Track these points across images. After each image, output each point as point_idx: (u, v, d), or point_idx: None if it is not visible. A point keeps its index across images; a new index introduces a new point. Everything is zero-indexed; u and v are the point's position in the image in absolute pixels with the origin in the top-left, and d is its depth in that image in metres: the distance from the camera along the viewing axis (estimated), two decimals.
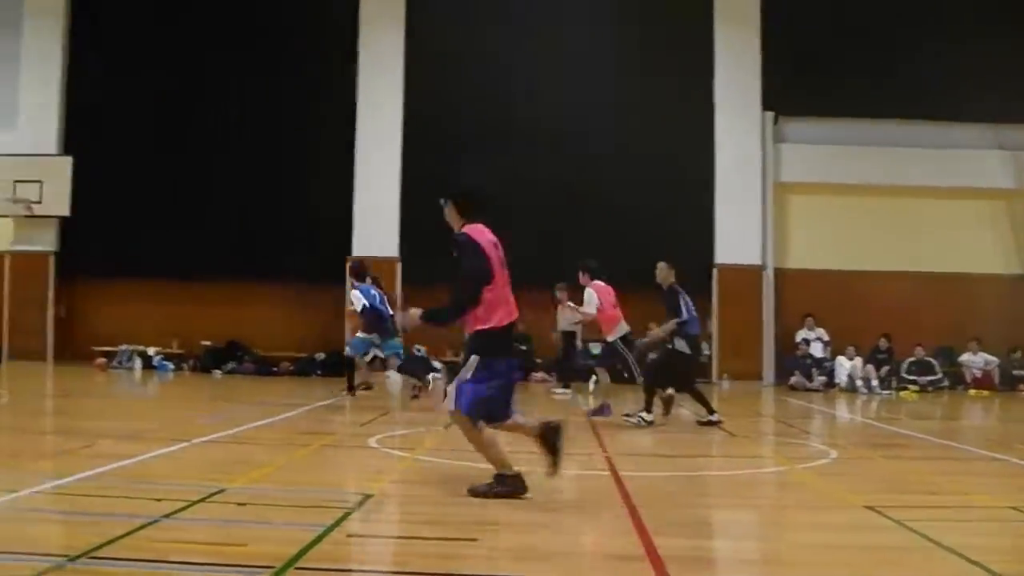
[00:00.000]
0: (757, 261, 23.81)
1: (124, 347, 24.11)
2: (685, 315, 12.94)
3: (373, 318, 15.19)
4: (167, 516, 6.04)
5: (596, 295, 13.85)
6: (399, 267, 23.60)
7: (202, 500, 6.61)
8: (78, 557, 4.92)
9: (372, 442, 10.39)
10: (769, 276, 23.89)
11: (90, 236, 24.54)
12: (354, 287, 15.64)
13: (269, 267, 23.71)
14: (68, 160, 24.92)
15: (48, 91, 25.56)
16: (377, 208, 24.20)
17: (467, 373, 7.22)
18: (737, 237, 23.86)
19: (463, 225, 7.49)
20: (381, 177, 24.29)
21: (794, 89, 23.74)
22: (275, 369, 23.37)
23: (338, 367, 19.56)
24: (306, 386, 19.15)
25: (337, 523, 6.12)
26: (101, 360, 23.29)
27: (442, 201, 7.66)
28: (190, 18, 24.96)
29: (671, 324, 12.98)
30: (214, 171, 24.43)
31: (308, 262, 23.78)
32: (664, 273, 13.38)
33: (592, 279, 14.23)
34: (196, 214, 24.29)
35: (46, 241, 25.24)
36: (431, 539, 6.01)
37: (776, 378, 23.30)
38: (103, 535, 5.41)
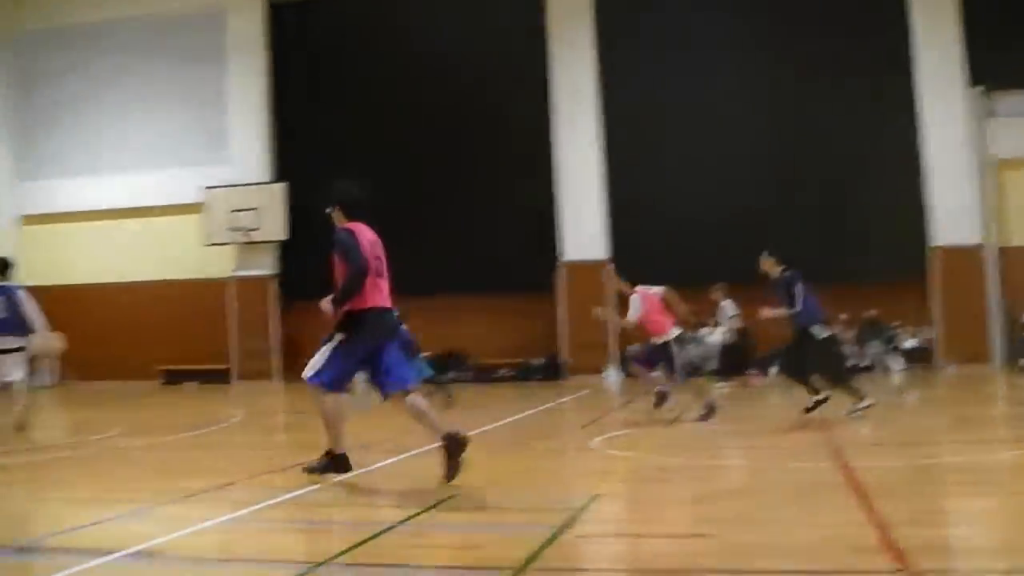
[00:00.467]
0: (977, 240, 22.83)
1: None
2: (799, 307, 12.23)
3: None
4: (403, 522, 6.19)
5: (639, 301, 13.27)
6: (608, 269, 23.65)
7: (436, 506, 6.75)
8: (323, 563, 5.09)
9: (594, 443, 10.41)
10: (991, 255, 22.87)
11: (308, 257, 25.39)
12: None
13: (484, 278, 24.04)
14: (282, 187, 25.95)
15: (257, 122, 26.74)
16: (582, 212, 24.34)
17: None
18: (953, 217, 22.88)
19: (346, 224, 8.38)
20: (582, 181, 24.40)
21: (1003, 63, 22.69)
22: (494, 376, 23.71)
23: (555, 372, 19.73)
24: (525, 391, 19.36)
25: (567, 524, 6.14)
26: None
27: (327, 209, 8.70)
28: (389, 38, 25.61)
29: (781, 311, 12.29)
30: (423, 187, 24.93)
31: (520, 271, 24.10)
32: (767, 264, 12.60)
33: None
34: (409, 231, 24.79)
35: (266, 265, 26.35)
36: (661, 537, 5.99)
37: (1006, 360, 22.29)
38: (345, 541, 5.58)
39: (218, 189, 26.22)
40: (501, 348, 24.34)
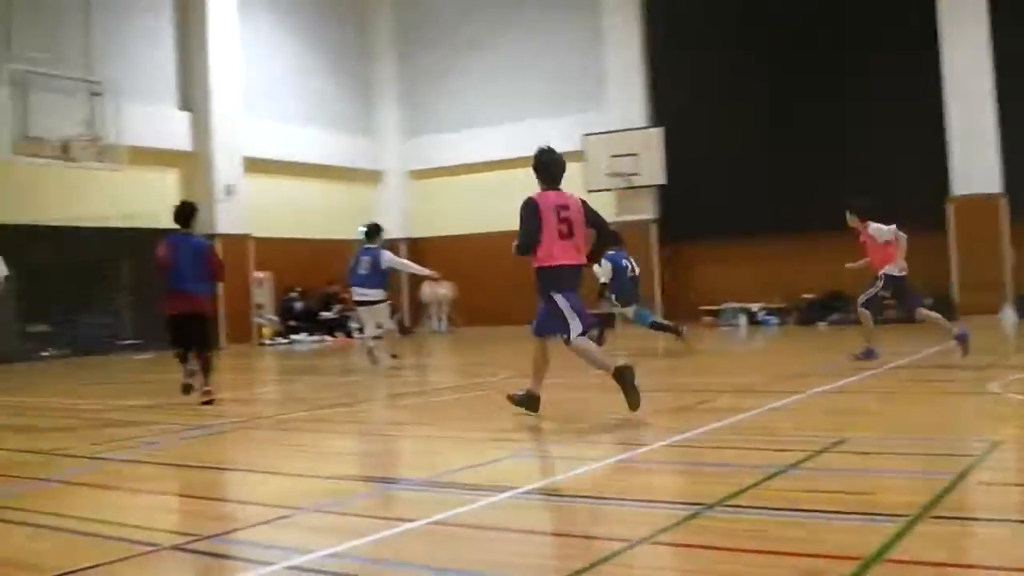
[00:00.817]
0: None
1: (729, 305, 24.85)
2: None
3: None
4: (792, 466, 6.12)
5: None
6: (1004, 204, 22.29)
7: (824, 450, 6.63)
8: (714, 505, 5.13)
9: (993, 387, 9.86)
10: None
11: (686, 201, 25.59)
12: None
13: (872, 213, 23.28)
14: (659, 131, 26.13)
15: (633, 67, 26.99)
16: (973, 143, 22.93)
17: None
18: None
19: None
20: (973, 109, 22.97)
21: None
22: (879, 318, 22.85)
23: (942, 309, 18.73)
24: (912, 332, 18.56)
25: (965, 471, 5.87)
26: (708, 319, 24.20)
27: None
28: None
29: None
30: (800, 124, 24.40)
31: (907, 208, 23.05)
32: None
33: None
34: (787, 169, 24.42)
35: (646, 210, 26.67)
36: None
37: None
38: (734, 485, 5.59)
39: (597, 136, 26.74)
40: None
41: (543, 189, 9.08)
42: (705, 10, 25.87)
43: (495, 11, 29.32)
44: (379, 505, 5.86)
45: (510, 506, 5.50)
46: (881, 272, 13.05)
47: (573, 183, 26.53)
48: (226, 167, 25.61)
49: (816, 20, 24.41)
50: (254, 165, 26.43)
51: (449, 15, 30.20)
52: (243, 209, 25.63)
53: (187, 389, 11.39)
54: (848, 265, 13.97)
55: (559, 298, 8.86)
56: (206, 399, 11.05)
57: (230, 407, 11.44)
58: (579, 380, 11.51)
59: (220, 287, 15.78)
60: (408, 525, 5.07)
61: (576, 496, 5.72)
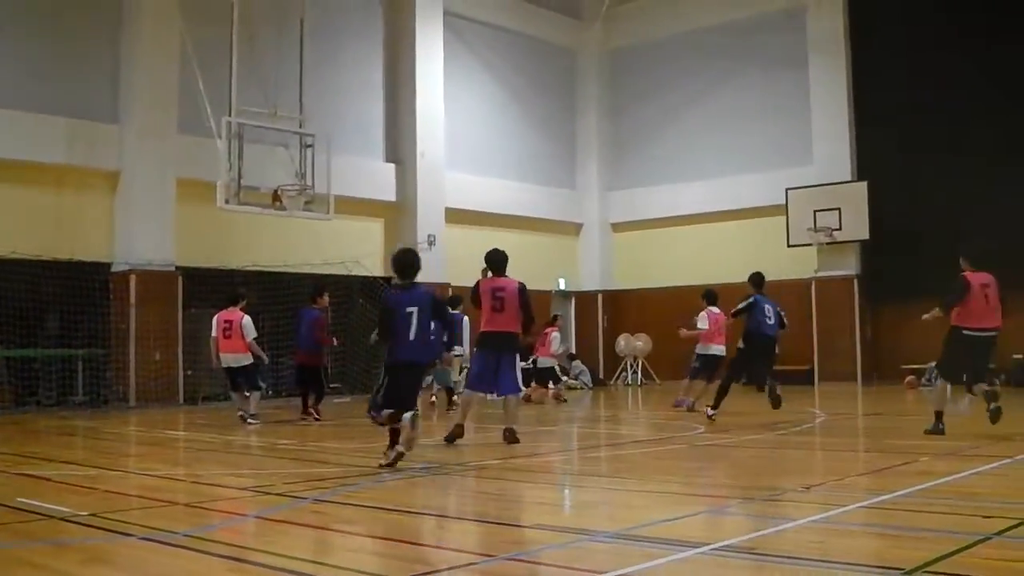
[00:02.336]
0: None
1: (932, 364, 23.91)
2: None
3: None
4: (998, 533, 5.85)
5: None
6: None
7: None
8: (913, 571, 4.93)
9: None
10: None
11: (891, 257, 24.87)
12: None
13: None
14: (863, 185, 25.58)
15: (838, 120, 26.56)
16: None
17: None
18: None
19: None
20: None
21: None
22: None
23: None
24: None
25: None
26: (911, 378, 23.38)
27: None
28: (979, 19, 24.30)
29: None
30: (1011, 184, 23.35)
31: None
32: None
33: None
34: (996, 227, 23.46)
35: (848, 266, 26.08)
36: None
37: None
38: (934, 550, 5.37)
39: (800, 190, 26.36)
40: None
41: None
42: (913, 66, 25.20)
43: (703, 70, 29.30)
44: (569, 556, 5.84)
45: (701, 562, 5.41)
46: None
47: (776, 238, 26.38)
48: (429, 217, 26.26)
49: None
50: (455, 216, 27.01)
51: (656, 74, 30.33)
52: (443, 258, 26.18)
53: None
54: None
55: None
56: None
57: (424, 452, 11.64)
58: (776, 438, 11.28)
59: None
60: None
61: (770, 555, 5.59)
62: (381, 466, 9.51)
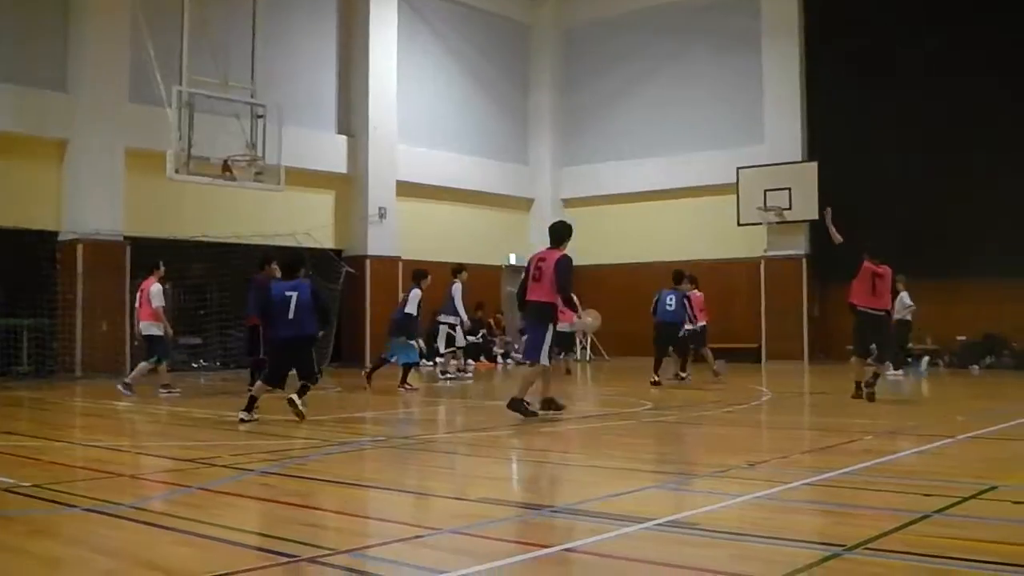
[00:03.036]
0: None
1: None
2: None
3: None
4: (938, 511, 5.94)
5: None
6: None
7: (973, 497, 6.41)
8: (854, 547, 5.00)
9: None
10: None
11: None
12: None
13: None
14: (813, 166, 25.77)
15: (790, 102, 26.69)
16: None
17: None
18: None
19: None
20: None
21: None
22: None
23: None
24: None
25: None
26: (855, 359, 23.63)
27: None
28: (933, 9, 24.52)
29: None
30: (961, 167, 23.65)
31: None
32: None
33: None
34: (942, 211, 23.79)
35: (797, 245, 26.28)
36: None
37: None
38: (875, 528, 5.46)
39: (751, 169, 26.52)
40: None
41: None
42: (865, 48, 25.38)
43: (657, 48, 29.35)
44: (516, 530, 5.88)
45: (646, 537, 5.46)
46: None
47: (727, 217, 26.55)
48: (380, 190, 26.17)
49: (984, 63, 23.67)
50: (406, 189, 26.94)
51: (610, 50, 30.33)
52: (394, 232, 26.12)
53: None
54: None
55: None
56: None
57: (374, 426, 11.63)
58: (722, 415, 11.38)
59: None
60: (542, 551, 5.07)
61: (713, 531, 5.65)
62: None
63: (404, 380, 17.28)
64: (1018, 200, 22.95)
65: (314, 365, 11.87)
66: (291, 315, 11.47)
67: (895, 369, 20.38)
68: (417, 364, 18.58)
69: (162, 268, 16.34)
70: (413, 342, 17.70)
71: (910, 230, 23.45)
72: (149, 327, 15.87)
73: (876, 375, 14.08)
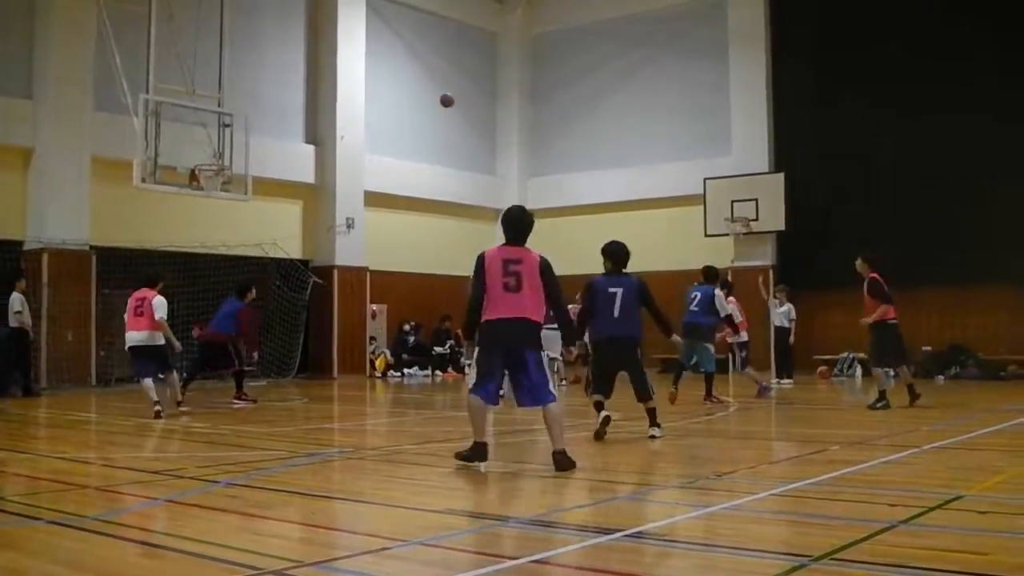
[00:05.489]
0: None
1: (845, 354, 24.36)
2: None
3: None
4: (904, 521, 5.98)
5: None
6: None
7: (939, 506, 6.46)
8: (820, 558, 5.02)
9: None
10: None
11: (805, 248, 25.28)
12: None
13: (992, 269, 22.67)
14: (780, 177, 25.93)
15: (757, 113, 26.83)
16: None
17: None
18: None
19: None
20: None
21: None
22: (1002, 374, 22.29)
23: None
24: None
25: None
26: (823, 368, 23.78)
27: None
28: (898, 22, 24.78)
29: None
30: (927, 178, 23.91)
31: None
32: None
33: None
34: (909, 221, 24.02)
35: (764, 256, 26.39)
36: None
37: None
38: (842, 538, 5.48)
39: (718, 180, 26.65)
40: (1014, 343, 22.84)
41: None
42: (831, 59, 25.61)
43: (625, 58, 29.45)
44: (483, 541, 5.87)
45: (614, 548, 5.46)
46: None
47: (695, 228, 26.64)
48: (348, 200, 26.11)
49: (945, 76, 23.92)
50: (374, 199, 26.88)
51: (578, 60, 30.40)
52: (361, 242, 26.06)
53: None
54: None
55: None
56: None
57: (340, 437, 11.58)
58: (690, 426, 11.40)
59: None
60: (509, 563, 5.07)
61: (680, 541, 5.66)
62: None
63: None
64: (985, 210, 23.17)
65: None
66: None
67: (788, 378, 21.57)
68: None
69: (162, 281, 15.82)
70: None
71: (875, 240, 23.61)
72: (151, 337, 15.05)
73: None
